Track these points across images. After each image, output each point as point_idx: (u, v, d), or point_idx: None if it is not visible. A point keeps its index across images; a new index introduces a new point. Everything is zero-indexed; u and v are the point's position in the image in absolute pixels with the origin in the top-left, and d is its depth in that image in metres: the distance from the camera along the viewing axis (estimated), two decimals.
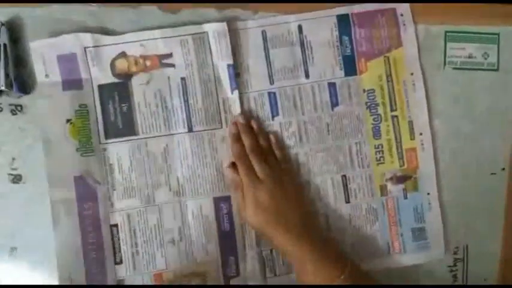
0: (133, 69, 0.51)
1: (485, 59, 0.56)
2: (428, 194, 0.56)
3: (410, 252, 0.56)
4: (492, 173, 0.57)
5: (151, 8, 0.52)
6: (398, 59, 0.54)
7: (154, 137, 0.52)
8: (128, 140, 0.52)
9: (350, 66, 0.54)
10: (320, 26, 0.54)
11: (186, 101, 0.52)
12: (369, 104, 0.55)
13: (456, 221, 0.56)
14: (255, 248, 0.53)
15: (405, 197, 0.55)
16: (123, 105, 0.52)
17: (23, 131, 0.51)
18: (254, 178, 0.49)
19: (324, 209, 0.55)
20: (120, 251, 0.52)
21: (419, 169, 0.55)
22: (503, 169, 0.57)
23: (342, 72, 0.54)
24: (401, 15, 0.54)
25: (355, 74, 0.54)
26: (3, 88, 0.48)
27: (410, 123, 0.55)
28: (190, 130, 0.52)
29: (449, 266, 0.57)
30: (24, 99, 0.51)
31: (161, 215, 0.52)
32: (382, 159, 0.55)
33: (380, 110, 0.55)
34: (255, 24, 0.53)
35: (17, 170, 0.51)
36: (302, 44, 0.54)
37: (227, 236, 0.53)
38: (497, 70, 0.56)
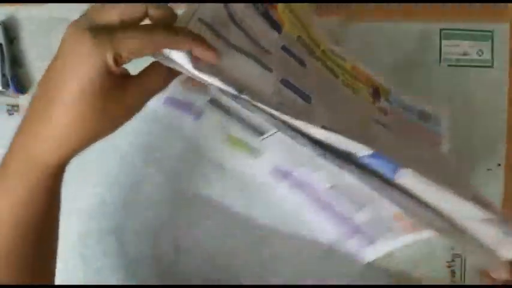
0: None
1: (480, 56, 0.56)
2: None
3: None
4: (488, 169, 0.57)
5: None
6: None
7: None
8: None
9: (274, 23, 0.43)
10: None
11: None
12: (309, 52, 0.47)
13: None
14: None
15: (391, 104, 0.52)
16: None
17: None
18: None
19: None
20: None
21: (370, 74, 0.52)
22: (499, 165, 0.57)
23: (275, 33, 0.43)
24: None
25: (280, 28, 0.44)
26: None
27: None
28: None
29: (448, 262, 0.57)
30: (21, 99, 0.51)
31: None
32: (356, 91, 0.49)
33: (317, 52, 0.48)
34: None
35: None
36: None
37: None
38: (491, 67, 0.57)
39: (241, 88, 0.32)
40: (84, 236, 0.52)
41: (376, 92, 0.52)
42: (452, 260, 0.57)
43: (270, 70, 0.38)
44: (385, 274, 0.56)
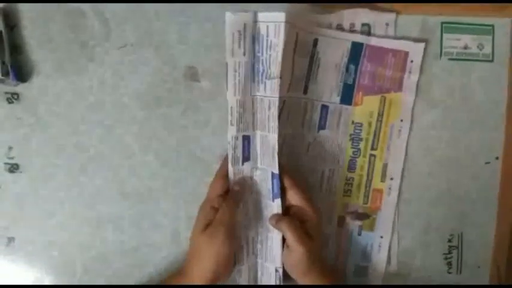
0: None
1: (480, 50, 0.56)
2: (381, 237, 0.56)
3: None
4: (486, 162, 0.58)
5: None
6: (394, 102, 0.55)
7: None
8: None
9: (347, 95, 0.54)
10: (334, 47, 0.53)
11: None
12: (353, 136, 0.55)
13: (451, 209, 0.57)
14: None
15: (359, 234, 0.56)
16: None
17: (19, 120, 0.50)
18: None
19: None
20: None
21: (380, 211, 0.56)
22: (497, 158, 0.58)
23: (338, 99, 0.54)
24: (412, 61, 0.54)
25: (350, 104, 0.55)
26: None
27: (385, 165, 0.55)
28: None
29: (444, 254, 0.58)
30: (20, 88, 0.50)
31: None
32: (349, 192, 0.56)
33: (361, 145, 0.55)
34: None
35: (14, 159, 0.50)
36: (312, 57, 0.53)
37: None
38: (492, 61, 0.57)
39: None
40: (81, 223, 0.52)
41: (361, 216, 0.56)
42: (449, 252, 0.58)
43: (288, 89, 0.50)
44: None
